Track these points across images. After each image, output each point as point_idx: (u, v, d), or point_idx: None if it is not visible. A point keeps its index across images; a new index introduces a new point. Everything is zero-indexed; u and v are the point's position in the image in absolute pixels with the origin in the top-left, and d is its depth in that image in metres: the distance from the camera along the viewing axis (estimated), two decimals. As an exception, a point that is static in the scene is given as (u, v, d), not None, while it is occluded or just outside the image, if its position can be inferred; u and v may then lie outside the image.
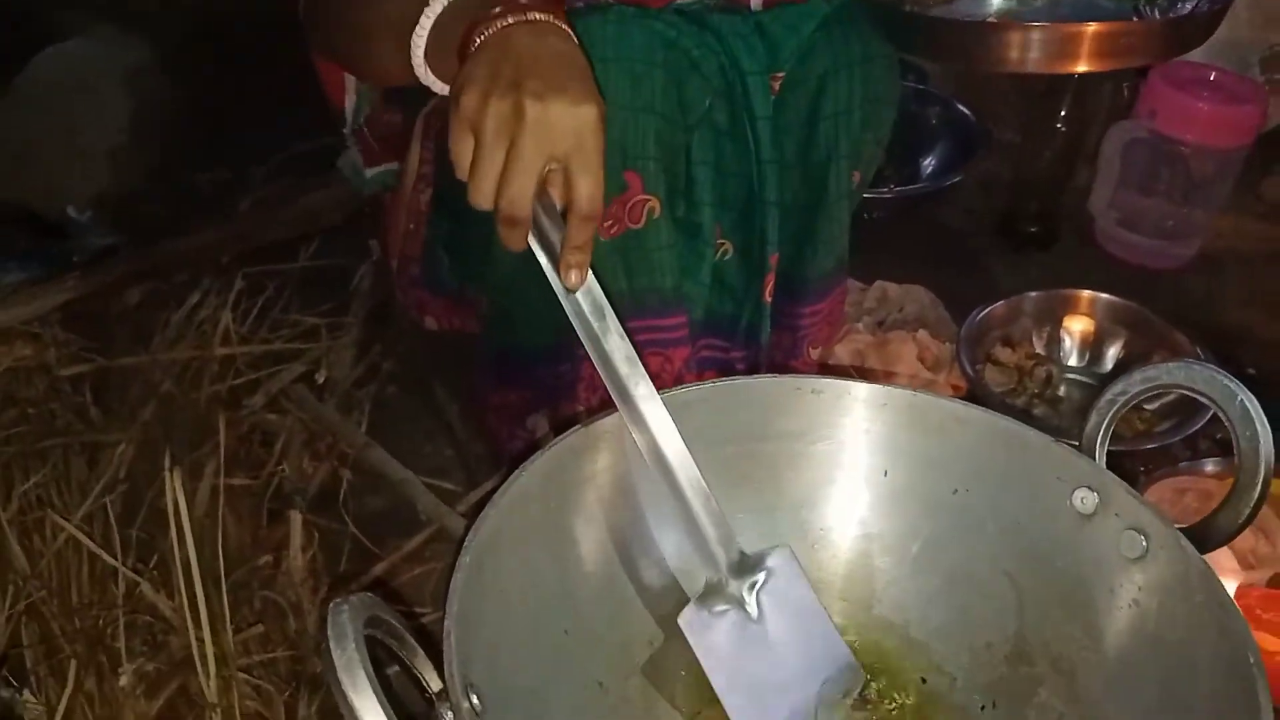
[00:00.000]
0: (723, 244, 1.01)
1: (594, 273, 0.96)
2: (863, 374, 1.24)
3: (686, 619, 0.60)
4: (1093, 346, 1.31)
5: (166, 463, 0.91)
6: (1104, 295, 1.31)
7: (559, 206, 0.64)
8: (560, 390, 1.02)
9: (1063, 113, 1.47)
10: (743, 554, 0.62)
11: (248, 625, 0.94)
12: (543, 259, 0.63)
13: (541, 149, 0.61)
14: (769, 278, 1.01)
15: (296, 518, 1.04)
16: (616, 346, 0.60)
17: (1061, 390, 1.27)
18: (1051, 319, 1.32)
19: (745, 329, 1.05)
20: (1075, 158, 1.53)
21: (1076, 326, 1.32)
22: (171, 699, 0.89)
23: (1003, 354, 1.28)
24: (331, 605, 0.45)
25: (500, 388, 1.12)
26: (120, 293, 1.36)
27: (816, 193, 1.02)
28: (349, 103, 1.10)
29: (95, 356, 1.23)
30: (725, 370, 1.06)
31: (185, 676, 0.88)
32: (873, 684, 0.65)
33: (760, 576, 0.61)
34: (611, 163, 0.91)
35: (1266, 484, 0.57)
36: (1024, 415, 1.21)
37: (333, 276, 1.40)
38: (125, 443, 1.10)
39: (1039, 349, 1.31)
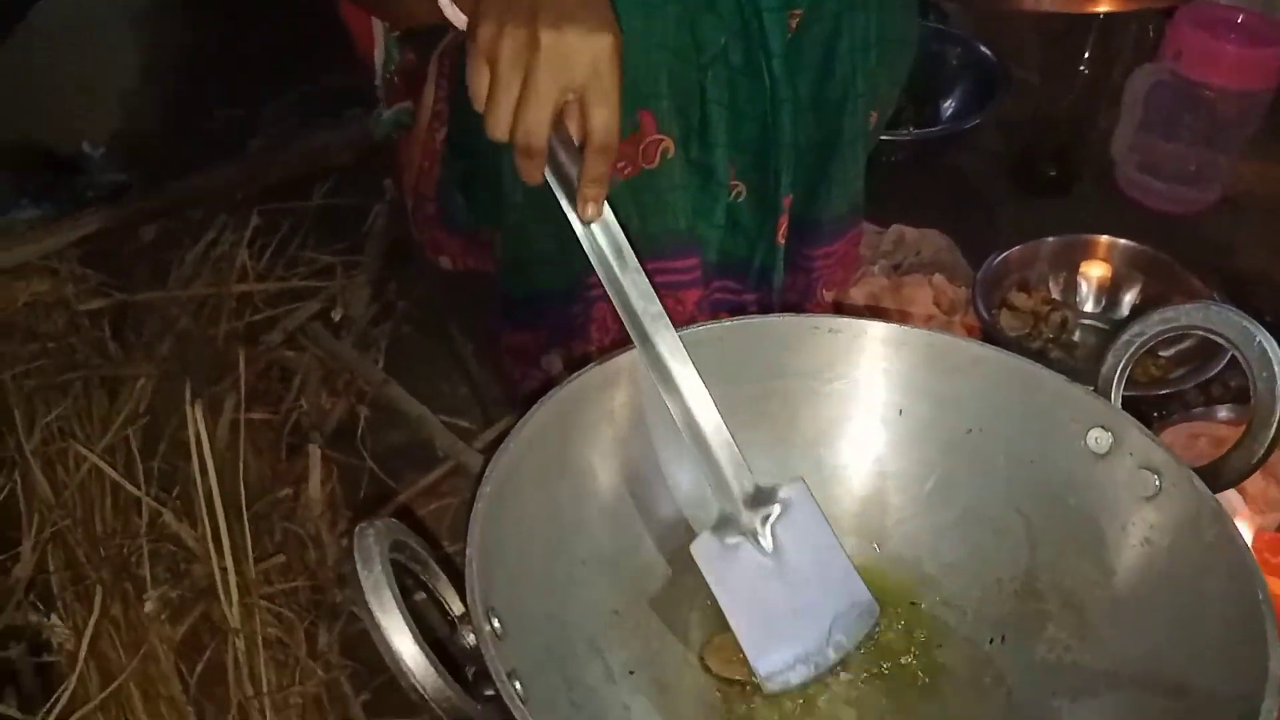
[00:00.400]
0: (736, 185, 1.01)
1: (609, 210, 0.96)
2: (878, 315, 1.24)
3: (699, 548, 0.61)
4: (1109, 292, 1.31)
5: (188, 395, 0.92)
6: (1121, 240, 1.30)
7: (576, 140, 0.63)
8: (573, 331, 1.02)
9: (1086, 54, 1.45)
10: (757, 487, 0.62)
11: (268, 555, 0.96)
12: (559, 193, 0.63)
13: (557, 79, 0.61)
14: (782, 219, 1.01)
15: (315, 452, 1.06)
16: (633, 281, 0.61)
17: (1077, 335, 1.27)
18: (1068, 264, 1.31)
19: (758, 271, 1.05)
20: (1097, 101, 1.51)
21: (1093, 272, 1.31)
22: (195, 625, 0.91)
23: (1018, 299, 1.27)
24: (357, 529, 0.46)
25: (514, 329, 1.12)
26: (136, 229, 1.36)
27: (832, 133, 1.01)
28: (378, 56, 1.09)
29: (113, 292, 1.24)
30: (737, 312, 1.06)
31: (208, 603, 0.90)
32: (883, 621, 0.66)
33: (775, 509, 0.62)
34: (625, 101, 0.91)
35: (1281, 425, 0.57)
36: (1039, 360, 1.20)
37: (347, 215, 1.40)
38: (145, 377, 1.11)
39: (1055, 294, 1.30)
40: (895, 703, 0.62)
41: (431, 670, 0.44)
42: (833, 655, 0.63)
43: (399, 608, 0.44)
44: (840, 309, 1.21)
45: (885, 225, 1.37)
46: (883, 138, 1.37)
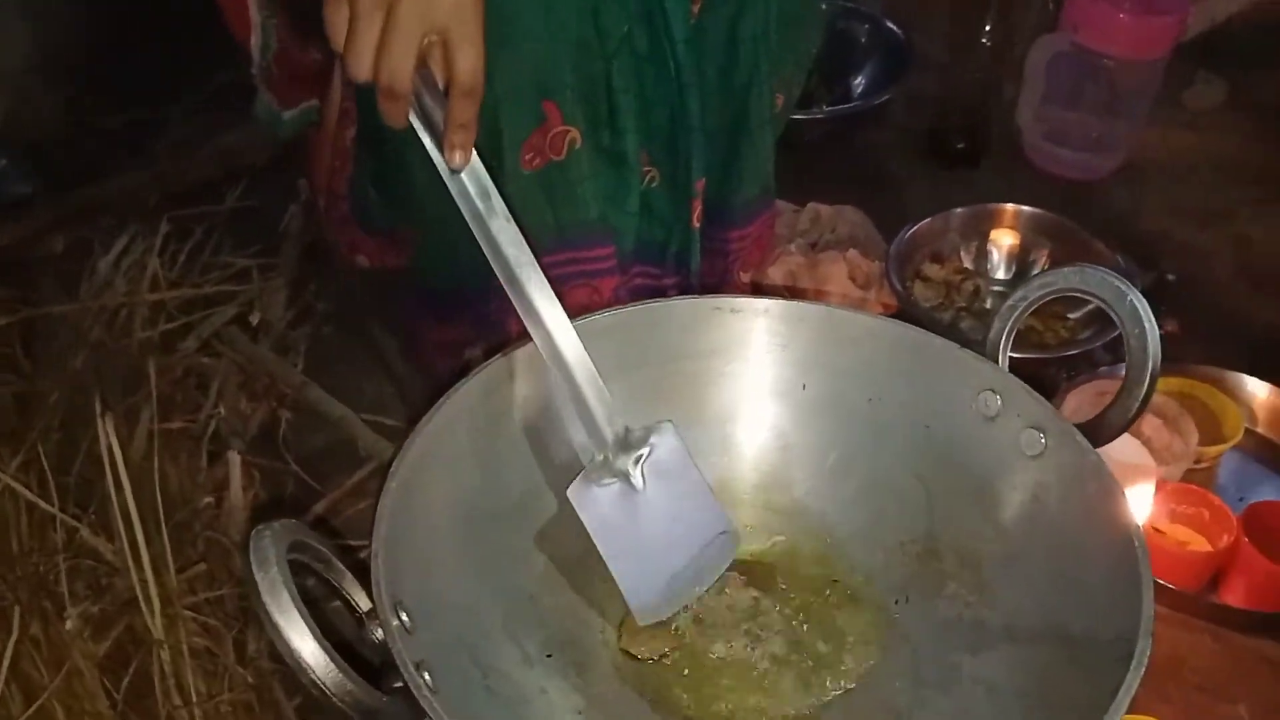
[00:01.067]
0: (649, 171, 1.02)
1: (518, 205, 0.96)
2: (795, 294, 1.26)
3: (574, 491, 0.62)
4: (1019, 259, 1.34)
5: (98, 409, 0.91)
6: (1028, 208, 1.33)
7: (441, 84, 0.63)
8: (496, 325, 1.03)
9: (987, 27, 1.48)
10: (628, 429, 0.64)
11: (191, 564, 0.95)
12: (426, 139, 0.62)
13: (420, 17, 0.60)
14: (696, 204, 1.02)
15: (235, 458, 1.05)
16: (502, 228, 0.61)
17: (989, 303, 1.30)
18: (978, 233, 1.34)
19: (675, 255, 1.06)
20: (1001, 73, 1.54)
21: (1003, 240, 1.34)
22: (119, 639, 0.90)
23: (931, 270, 1.30)
24: (253, 532, 0.46)
25: (437, 325, 1.12)
26: (43, 240, 1.33)
27: (739, 117, 1.02)
28: (254, 40, 1.07)
29: (21, 306, 1.21)
30: (658, 296, 1.07)
31: (131, 616, 0.89)
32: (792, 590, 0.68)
33: (645, 450, 0.64)
34: (528, 94, 0.91)
35: (1154, 378, 0.60)
36: (951, 328, 1.24)
37: (261, 217, 1.38)
38: (57, 391, 1.09)
39: (966, 263, 1.34)
40: (804, 668, 0.63)
41: (332, 666, 0.44)
42: (701, 586, 0.65)
43: (296, 607, 0.44)
44: (758, 290, 1.23)
45: (801, 204, 1.39)
46: (796, 117, 1.39)
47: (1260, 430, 1.13)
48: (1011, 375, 0.64)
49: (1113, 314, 0.61)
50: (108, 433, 0.90)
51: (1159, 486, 1.00)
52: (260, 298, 1.27)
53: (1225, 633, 0.96)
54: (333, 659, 0.45)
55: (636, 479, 0.64)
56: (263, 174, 1.44)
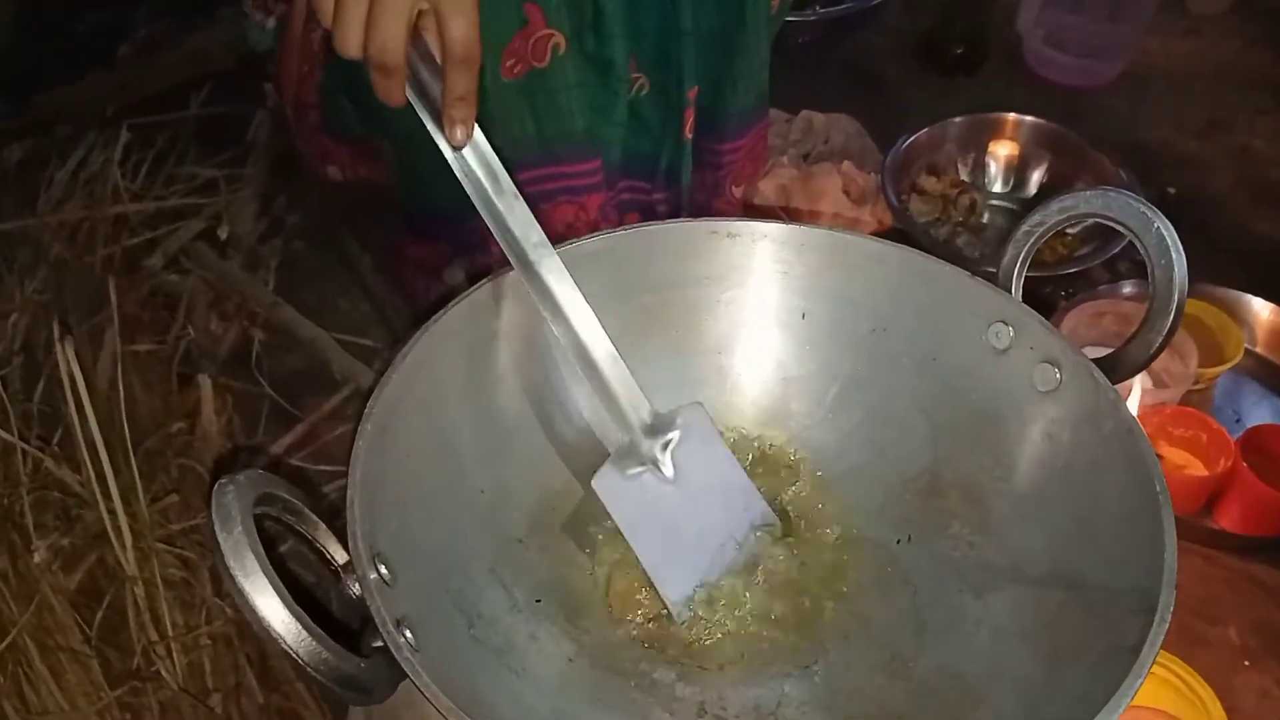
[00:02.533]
0: (638, 79, 0.96)
1: (498, 116, 0.90)
2: (787, 212, 1.21)
3: (601, 482, 0.59)
4: (1016, 171, 1.30)
5: (55, 332, 0.86)
6: (1028, 118, 1.29)
7: (437, 56, 0.58)
8: (476, 243, 0.98)
9: (990, -76, 1.41)
10: (655, 414, 0.60)
11: (164, 494, 0.92)
12: (424, 115, 0.57)
13: None
14: (688, 113, 0.97)
15: (206, 382, 1.01)
16: (510, 208, 0.57)
17: (985, 217, 1.26)
18: (976, 144, 1.30)
19: (665, 169, 1.01)
20: (1003, -26, 1.48)
21: (1001, 151, 1.30)
22: (91, 571, 0.88)
23: (927, 183, 1.26)
24: (216, 486, 0.42)
25: (414, 240, 1.07)
26: (-1, 151, 1.27)
27: (734, 20, 0.96)
28: None
29: (-25, 221, 1.16)
30: (647, 213, 1.03)
31: (102, 549, 0.87)
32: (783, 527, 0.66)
33: (674, 435, 0.60)
34: None
35: (1180, 311, 0.57)
36: (947, 245, 1.20)
37: (228, 125, 1.32)
38: (16, 312, 1.04)
39: (964, 176, 1.29)
40: (802, 610, 0.61)
41: (304, 634, 0.41)
42: (727, 573, 0.62)
43: (263, 569, 0.41)
44: (749, 207, 1.19)
45: (794, 112, 1.34)
46: (788, 19, 1.32)
47: (1259, 350, 1.11)
48: (1025, 306, 0.61)
49: (1137, 242, 0.58)
50: (69, 358, 0.85)
51: (1157, 410, 0.98)
52: (228, 211, 1.22)
53: (1217, 555, 0.95)
54: (304, 625, 0.42)
55: (666, 466, 0.60)
56: (229, 78, 1.37)
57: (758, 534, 0.62)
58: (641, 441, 0.59)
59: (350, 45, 0.56)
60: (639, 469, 0.59)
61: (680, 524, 0.60)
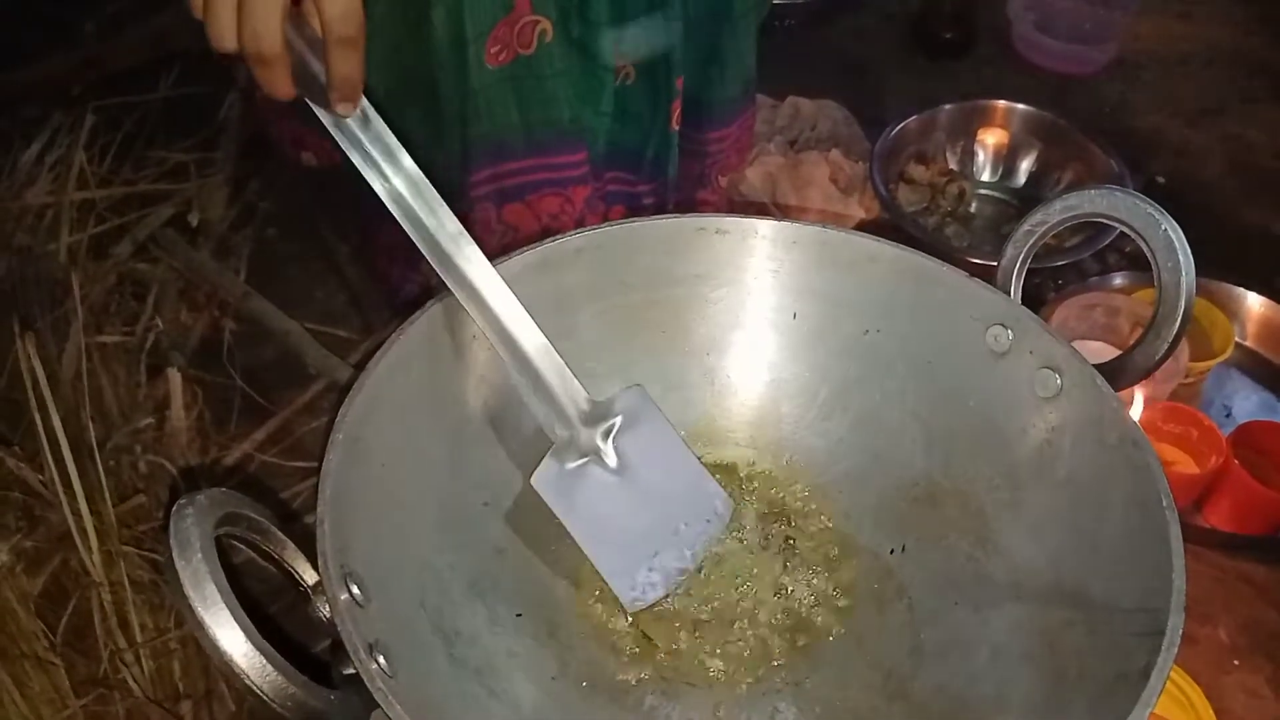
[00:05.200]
0: (624, 67, 0.93)
1: (482, 105, 0.87)
2: (775, 203, 1.19)
3: (540, 478, 0.56)
4: (1006, 159, 1.28)
5: (15, 327, 0.83)
6: (1019, 105, 1.27)
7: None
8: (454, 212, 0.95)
9: (980, -93, 1.38)
10: (592, 402, 0.57)
11: (132, 493, 0.89)
12: (313, 103, 0.53)
13: None
14: (676, 103, 0.94)
15: (176, 374, 0.98)
16: (415, 192, 0.53)
17: (974, 207, 1.24)
18: (965, 132, 1.28)
19: (651, 161, 0.98)
20: (993, -43, 1.45)
21: (990, 139, 1.28)
22: (55, 574, 0.84)
23: (916, 171, 1.23)
24: (175, 508, 0.39)
25: (389, 227, 1.04)
26: (-43, 133, 1.22)
27: (721, 6, 0.94)
28: None
29: (-68, 207, 1.11)
30: (632, 205, 1.00)
31: (66, 552, 0.84)
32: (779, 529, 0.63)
33: (615, 422, 0.57)
34: None
35: (1187, 317, 0.55)
36: (935, 234, 1.18)
37: (198, 106, 1.27)
38: (-23, 302, 1.00)
39: (952, 164, 1.27)
40: (790, 624, 0.59)
41: (270, 668, 0.39)
42: (690, 563, 0.60)
43: (224, 599, 0.38)
44: (734, 199, 1.16)
45: (780, 97, 1.31)
46: (775, 2, 1.29)
47: (1249, 344, 1.10)
48: (1025, 308, 0.59)
49: (1142, 244, 0.55)
50: (29, 353, 0.82)
51: (1148, 405, 0.96)
52: (199, 196, 1.18)
53: (1207, 553, 0.94)
54: (269, 658, 0.39)
55: (609, 456, 0.57)
56: (199, 58, 1.33)
57: (709, 521, 0.59)
58: (580, 431, 0.56)
59: (225, 39, 0.50)
60: (580, 461, 0.56)
61: (629, 516, 0.57)
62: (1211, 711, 0.78)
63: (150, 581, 0.85)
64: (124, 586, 0.82)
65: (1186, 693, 0.78)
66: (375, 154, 0.53)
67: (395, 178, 0.53)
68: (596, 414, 0.57)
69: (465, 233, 0.54)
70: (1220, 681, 0.85)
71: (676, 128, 0.95)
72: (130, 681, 0.78)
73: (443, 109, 0.86)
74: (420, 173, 0.54)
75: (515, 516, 0.60)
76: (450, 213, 0.54)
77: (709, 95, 0.97)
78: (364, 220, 1.06)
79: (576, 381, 0.56)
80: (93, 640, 0.81)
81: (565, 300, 0.63)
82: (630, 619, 0.59)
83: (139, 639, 0.80)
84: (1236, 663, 0.87)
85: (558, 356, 0.56)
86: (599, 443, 0.57)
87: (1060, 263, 1.12)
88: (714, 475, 0.62)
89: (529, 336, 0.55)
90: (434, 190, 0.54)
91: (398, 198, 0.54)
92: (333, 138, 1.12)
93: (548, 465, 0.56)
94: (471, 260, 0.54)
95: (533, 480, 0.56)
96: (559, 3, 0.83)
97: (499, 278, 0.54)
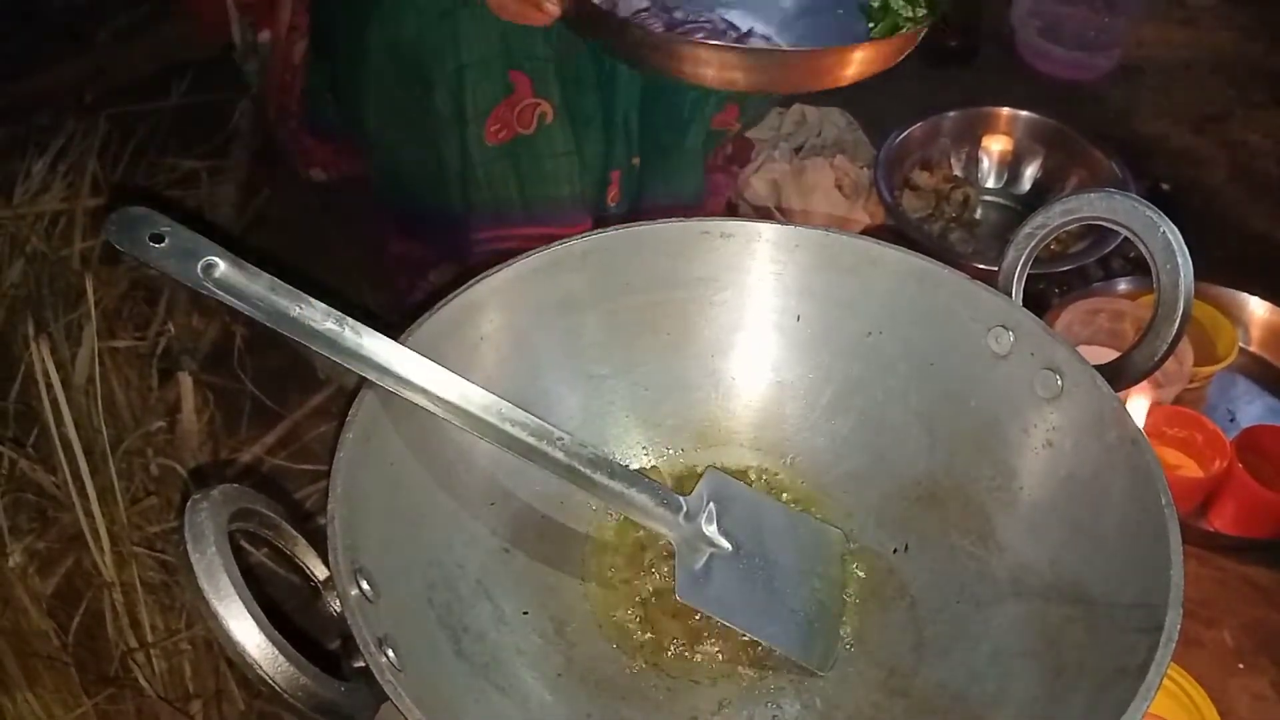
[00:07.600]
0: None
1: (482, 179, 0.91)
2: (779, 208, 1.20)
3: (684, 591, 0.56)
4: (1010, 166, 1.29)
5: (30, 330, 0.84)
6: (1023, 112, 1.27)
7: None
8: (459, 247, 0.97)
9: (985, -84, 1.39)
10: (685, 501, 0.58)
11: (144, 495, 0.90)
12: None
13: None
14: (612, 189, 1.00)
15: (187, 378, 0.99)
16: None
17: (978, 213, 1.25)
18: (970, 138, 1.28)
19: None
20: (997, -35, 1.46)
21: (995, 146, 1.29)
22: (68, 575, 0.86)
23: (920, 178, 1.24)
24: (189, 503, 0.40)
25: (397, 237, 1.06)
26: (-28, 140, 1.24)
27: (675, 140, 1.02)
28: (235, 32, 1.01)
29: (-51, 213, 1.13)
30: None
31: (79, 552, 0.85)
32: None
33: (710, 509, 0.59)
34: (496, 64, 0.84)
35: (1185, 318, 0.55)
36: (940, 241, 1.19)
37: (209, 114, 1.29)
38: (-9, 307, 1.02)
39: (957, 170, 1.28)
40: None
41: (282, 659, 0.40)
42: (839, 604, 0.60)
43: (238, 591, 0.39)
44: (733, 209, 1.18)
45: (786, 104, 1.32)
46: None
47: (1254, 349, 1.11)
48: (1026, 310, 0.59)
49: (1141, 246, 0.56)
50: (43, 357, 0.83)
51: (1152, 410, 0.97)
52: (210, 203, 1.19)
53: (1212, 557, 0.94)
54: (281, 649, 0.40)
55: (721, 541, 0.58)
56: (211, 67, 1.34)
57: (830, 560, 0.61)
58: (685, 528, 0.58)
59: None
60: (701, 558, 0.58)
61: (765, 585, 0.58)
62: (1216, 714, 0.78)
63: (161, 582, 0.86)
64: (135, 587, 0.83)
65: (1191, 696, 0.78)
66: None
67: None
68: (693, 510, 0.58)
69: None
70: (1225, 684, 0.85)
71: (614, 204, 1.00)
72: (141, 681, 0.79)
73: (446, 176, 0.89)
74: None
75: (521, 516, 0.61)
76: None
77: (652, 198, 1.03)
78: (376, 231, 1.08)
79: (669, 490, 0.59)
80: (104, 640, 0.82)
81: (571, 303, 0.64)
82: (635, 616, 0.59)
83: (150, 639, 0.81)
84: (1241, 666, 0.87)
85: (638, 475, 0.57)
86: (706, 532, 0.58)
87: (1064, 268, 1.13)
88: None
89: (612, 467, 0.56)
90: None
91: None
92: (340, 152, 1.16)
93: (683, 576, 0.57)
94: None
95: (679, 597, 0.56)
96: (563, 88, 0.87)
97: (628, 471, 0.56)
